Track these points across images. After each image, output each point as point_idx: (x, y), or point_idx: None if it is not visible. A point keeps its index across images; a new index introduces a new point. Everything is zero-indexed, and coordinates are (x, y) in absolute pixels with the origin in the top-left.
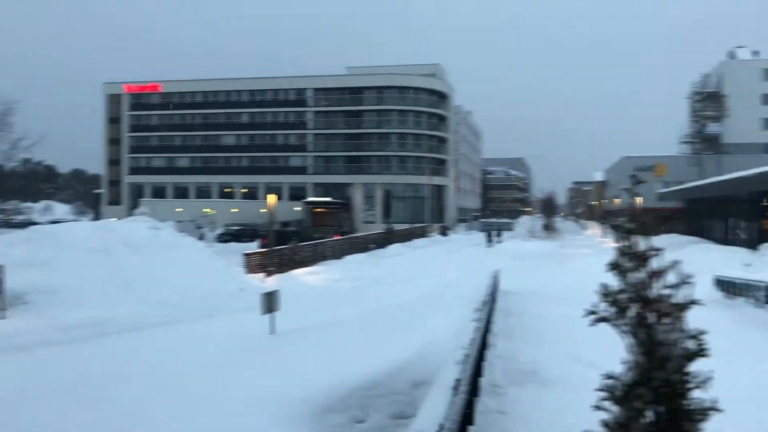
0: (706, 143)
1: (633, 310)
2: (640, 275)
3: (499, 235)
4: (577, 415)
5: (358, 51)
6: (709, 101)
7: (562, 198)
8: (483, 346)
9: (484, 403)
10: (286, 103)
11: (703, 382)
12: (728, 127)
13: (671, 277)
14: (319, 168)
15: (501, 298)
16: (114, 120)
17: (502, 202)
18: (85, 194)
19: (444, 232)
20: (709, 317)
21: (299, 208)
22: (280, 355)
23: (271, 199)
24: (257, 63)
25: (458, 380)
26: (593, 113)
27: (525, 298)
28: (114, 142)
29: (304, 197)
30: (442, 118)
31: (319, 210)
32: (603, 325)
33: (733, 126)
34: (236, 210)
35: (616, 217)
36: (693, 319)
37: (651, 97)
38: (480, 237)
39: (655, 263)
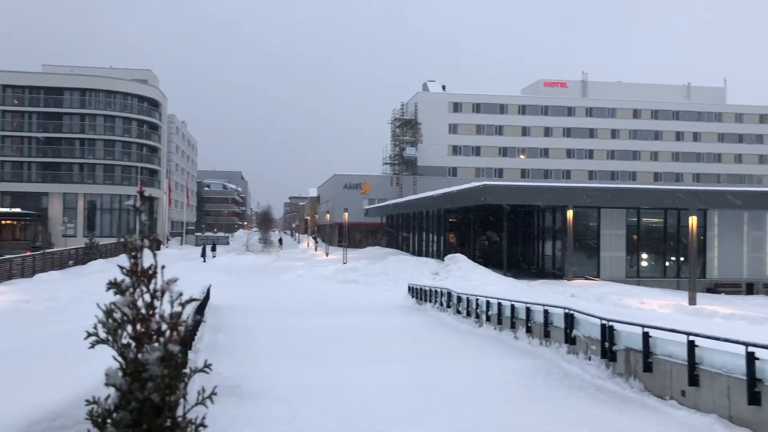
0: (404, 165)
1: (126, 331)
2: (139, 294)
3: (214, 250)
4: (275, 425)
5: (58, 51)
6: (406, 127)
7: (279, 212)
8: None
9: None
10: None
11: (208, 398)
12: (422, 152)
13: (169, 296)
14: (7, 174)
15: (211, 313)
16: None
17: (218, 216)
18: None
19: (156, 246)
20: (402, 321)
21: None
22: None
23: None
24: None
25: None
26: (312, 132)
27: (237, 312)
28: None
29: None
30: (154, 127)
31: (6, 222)
32: (337, 336)
33: (426, 151)
34: None
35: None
36: (390, 323)
37: (363, 120)
38: (195, 251)
39: (157, 282)
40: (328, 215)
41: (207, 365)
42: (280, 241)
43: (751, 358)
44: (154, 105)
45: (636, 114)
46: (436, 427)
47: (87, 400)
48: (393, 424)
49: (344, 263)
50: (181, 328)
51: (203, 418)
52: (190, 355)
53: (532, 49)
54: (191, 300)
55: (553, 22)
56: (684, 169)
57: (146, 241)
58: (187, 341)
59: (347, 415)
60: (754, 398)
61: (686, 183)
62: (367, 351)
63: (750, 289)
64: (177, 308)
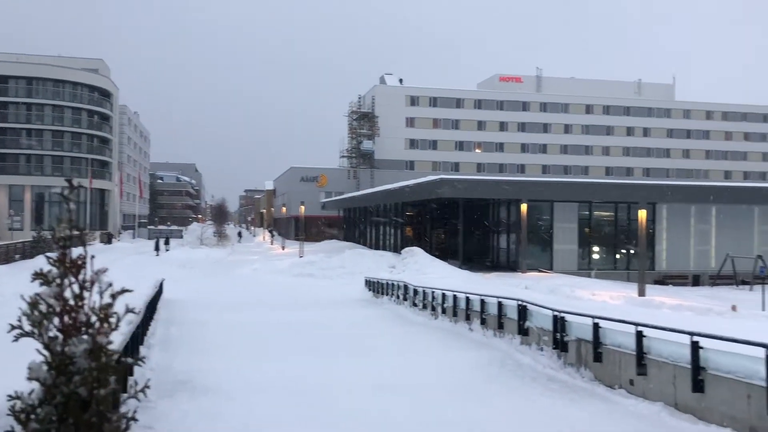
0: (361, 158)
1: (52, 323)
2: (66, 285)
3: (167, 243)
4: (227, 420)
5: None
6: (363, 120)
7: (234, 205)
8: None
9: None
10: None
11: (140, 391)
12: (379, 145)
13: (98, 287)
14: None
15: (164, 307)
16: None
17: (172, 209)
18: None
19: (107, 239)
20: (359, 314)
21: None
22: None
23: None
24: None
25: None
26: (267, 124)
27: (190, 306)
28: None
29: None
30: (105, 117)
31: None
32: (293, 331)
33: (384, 144)
34: None
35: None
36: (347, 316)
37: (321, 113)
38: (147, 245)
39: (87, 273)
40: (284, 208)
41: (140, 358)
42: (240, 234)
43: (695, 347)
44: (105, 95)
45: (588, 109)
46: (392, 419)
47: (9, 396)
48: (349, 417)
49: (301, 257)
50: (113, 320)
51: (134, 411)
52: (142, 350)
53: (532, 49)
54: (123, 291)
55: (554, 22)
56: (634, 164)
57: (74, 231)
58: (138, 335)
59: (302, 410)
60: (697, 386)
61: (636, 177)
62: (322, 345)
63: (696, 280)
64: (108, 299)
